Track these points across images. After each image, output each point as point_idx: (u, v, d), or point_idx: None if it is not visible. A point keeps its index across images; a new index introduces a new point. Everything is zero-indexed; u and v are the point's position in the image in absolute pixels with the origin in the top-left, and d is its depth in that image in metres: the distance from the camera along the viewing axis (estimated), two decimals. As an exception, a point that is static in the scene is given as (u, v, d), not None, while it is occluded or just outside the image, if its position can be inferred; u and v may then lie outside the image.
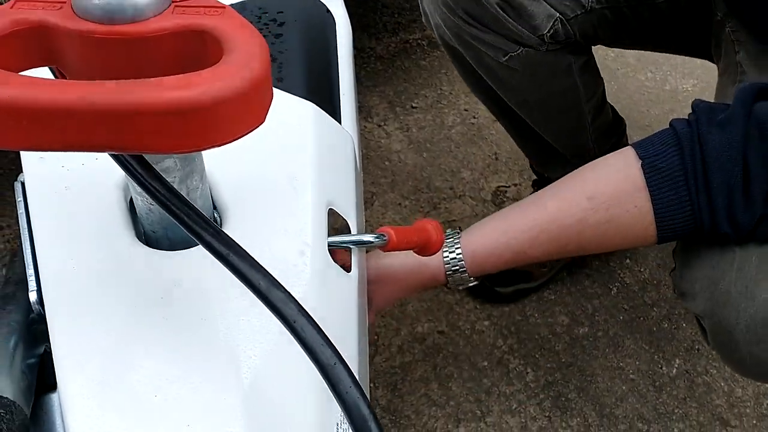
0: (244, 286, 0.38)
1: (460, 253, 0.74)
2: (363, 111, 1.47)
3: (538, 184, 1.19)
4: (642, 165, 0.64)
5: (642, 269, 1.23)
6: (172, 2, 0.36)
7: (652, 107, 1.51)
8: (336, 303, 0.58)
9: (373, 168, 1.37)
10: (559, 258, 0.72)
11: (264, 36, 0.74)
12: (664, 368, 1.11)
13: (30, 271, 0.53)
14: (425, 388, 1.07)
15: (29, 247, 0.54)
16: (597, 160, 0.71)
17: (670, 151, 0.63)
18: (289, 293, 0.38)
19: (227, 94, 0.30)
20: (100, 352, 0.43)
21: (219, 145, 0.31)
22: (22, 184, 0.56)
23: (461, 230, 0.77)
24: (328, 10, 0.79)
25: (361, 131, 1.43)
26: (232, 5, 0.77)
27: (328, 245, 0.60)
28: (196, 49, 0.35)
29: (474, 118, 1.46)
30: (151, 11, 0.34)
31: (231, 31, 0.34)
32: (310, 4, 0.79)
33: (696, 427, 1.05)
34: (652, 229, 0.65)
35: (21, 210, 0.55)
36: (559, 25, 0.87)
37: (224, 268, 0.38)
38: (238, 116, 0.31)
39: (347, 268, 0.63)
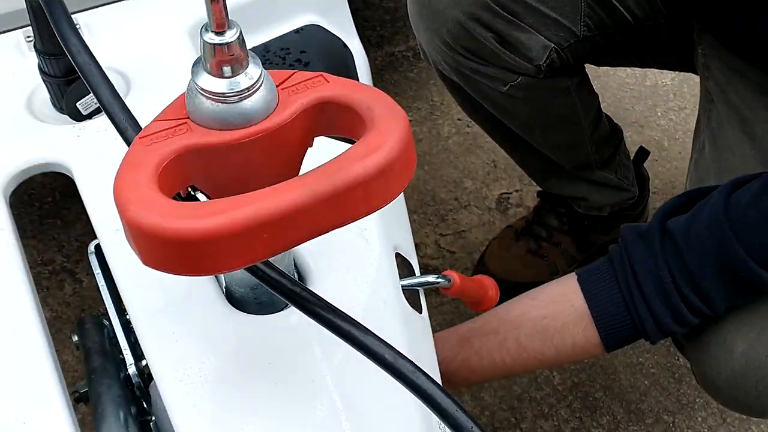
0: (343, 342, 0.39)
1: None
2: (360, 129, 1.48)
3: (543, 194, 1.22)
4: (578, 278, 0.71)
5: (649, 264, 1.27)
6: (277, 86, 0.37)
7: (635, 104, 1.56)
8: (420, 345, 0.59)
9: (378, 185, 1.38)
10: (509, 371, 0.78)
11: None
12: (681, 359, 1.15)
13: (124, 344, 0.53)
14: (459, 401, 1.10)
15: (116, 317, 0.55)
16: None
17: (604, 266, 0.70)
18: (397, 351, 0.40)
19: (402, 145, 0.33)
20: (220, 423, 0.45)
21: (393, 199, 0.34)
22: (96, 253, 0.57)
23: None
24: (345, 45, 0.80)
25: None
26: (255, 47, 0.78)
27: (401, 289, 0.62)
28: (319, 119, 0.36)
29: (468, 127, 1.49)
30: (275, 102, 0.36)
31: (352, 92, 0.36)
32: (329, 41, 0.80)
33: (717, 414, 1.10)
34: (592, 330, 0.70)
35: (101, 282, 0.56)
36: (555, 55, 0.90)
37: (321, 327, 0.39)
38: (408, 164, 0.34)
39: (419, 309, 0.64)
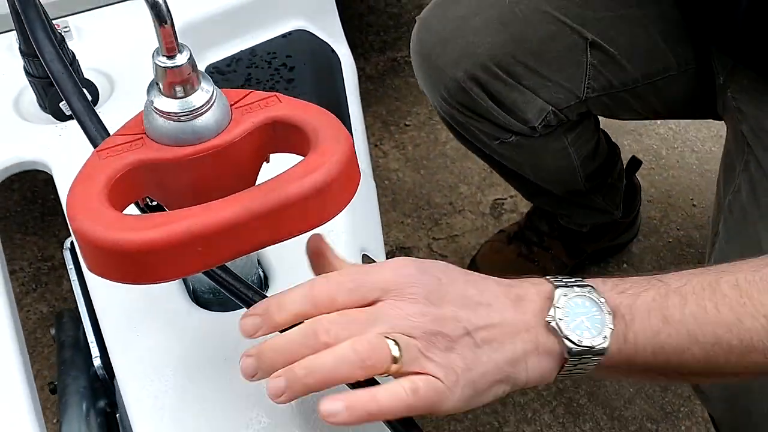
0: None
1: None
2: (358, 130, 1.50)
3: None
4: None
5: (639, 273, 1.28)
6: (231, 105, 0.39)
7: (636, 111, 1.57)
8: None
9: (373, 187, 1.40)
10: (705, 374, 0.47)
11: (276, 82, 0.76)
12: (667, 368, 1.16)
13: (91, 337, 0.55)
14: (443, 404, 1.11)
15: (86, 313, 0.56)
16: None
17: None
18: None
19: (342, 166, 0.34)
20: (178, 417, 0.46)
21: (335, 216, 0.35)
22: (71, 250, 0.59)
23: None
24: (333, 50, 0.81)
25: (358, 151, 1.46)
26: (242, 51, 0.79)
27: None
28: (270, 137, 0.38)
29: (466, 131, 1.50)
30: (226, 120, 0.37)
31: (301, 113, 0.37)
32: (315, 46, 0.81)
33: (702, 423, 1.11)
34: None
35: (74, 277, 0.58)
36: (552, 116, 0.87)
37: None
38: (348, 185, 0.35)
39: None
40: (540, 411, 1.11)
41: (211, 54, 0.75)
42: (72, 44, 0.65)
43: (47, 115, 0.61)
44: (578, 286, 0.42)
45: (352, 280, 0.39)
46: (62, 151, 0.58)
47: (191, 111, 0.34)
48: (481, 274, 0.43)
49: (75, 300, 0.56)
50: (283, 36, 0.78)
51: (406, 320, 0.38)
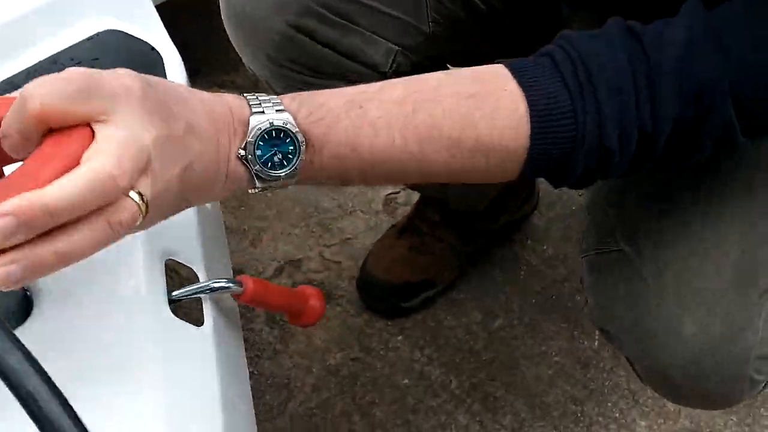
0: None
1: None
2: (235, 145, 1.39)
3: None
4: (506, 65, 0.51)
5: (545, 247, 1.20)
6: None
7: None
8: (187, 362, 0.51)
9: (256, 202, 1.29)
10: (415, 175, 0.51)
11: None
12: (585, 342, 1.08)
13: None
14: (348, 423, 1.00)
15: None
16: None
17: (540, 59, 0.51)
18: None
19: None
20: None
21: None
22: None
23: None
24: (153, 48, 0.72)
25: (237, 167, 1.35)
26: (41, 61, 0.69)
27: (171, 300, 0.54)
28: None
29: (351, 130, 1.41)
30: None
31: None
32: (129, 45, 0.71)
33: (629, 396, 1.03)
34: (525, 124, 0.49)
35: None
36: (401, 58, 0.78)
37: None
38: None
39: (198, 322, 0.56)
40: (454, 413, 1.01)
41: (7, 68, 0.66)
42: None
43: None
44: (276, 110, 0.45)
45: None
46: None
47: None
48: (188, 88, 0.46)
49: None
50: (88, 39, 0.69)
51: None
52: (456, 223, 1.11)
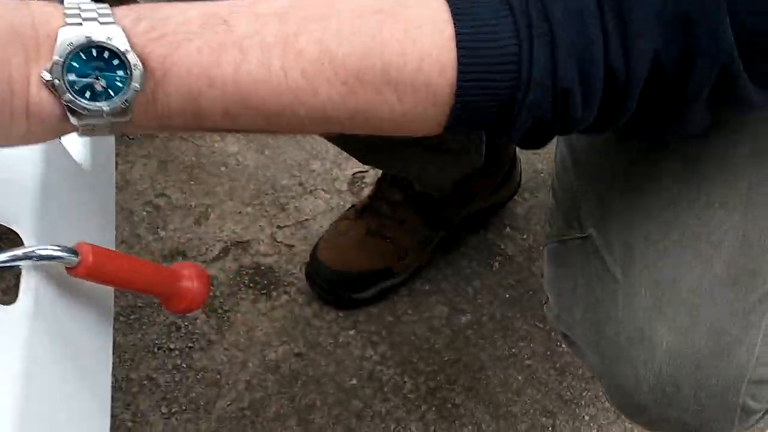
0: None
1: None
2: (191, 115, 1.27)
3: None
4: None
5: (524, 236, 1.06)
6: None
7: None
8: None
9: (207, 177, 1.16)
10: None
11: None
12: (563, 346, 0.94)
13: None
14: (281, 428, 0.87)
15: None
16: None
17: None
18: None
19: None
20: None
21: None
22: None
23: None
24: None
25: (191, 139, 1.23)
26: None
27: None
28: None
29: (321, 102, 1.28)
30: None
31: None
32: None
33: (610, 409, 0.89)
34: (450, 50, 0.35)
35: None
36: None
37: None
38: None
39: (12, 296, 0.43)
40: (405, 419, 0.87)
41: None
42: None
43: None
44: (101, 22, 0.33)
45: None
46: None
47: None
48: None
49: None
50: None
51: None
52: (421, 205, 0.97)
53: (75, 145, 0.57)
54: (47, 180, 0.48)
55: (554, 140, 0.44)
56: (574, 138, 0.61)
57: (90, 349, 0.49)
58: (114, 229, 0.61)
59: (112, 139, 0.65)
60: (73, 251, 0.44)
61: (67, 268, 0.45)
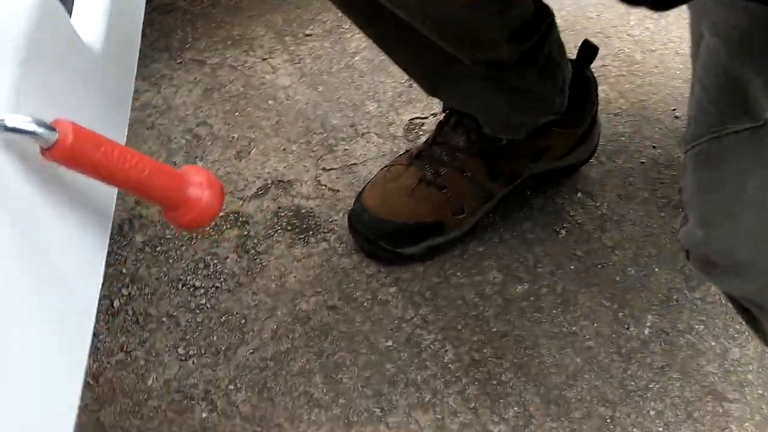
0: None
1: None
2: (243, 44, 1.18)
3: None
4: None
5: (598, 203, 0.94)
6: None
7: (603, 11, 1.22)
8: None
9: (253, 109, 1.08)
10: None
11: None
12: (632, 329, 0.82)
13: None
14: (306, 385, 0.79)
15: None
16: None
17: None
18: None
19: None
20: None
21: None
22: None
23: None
24: None
25: (240, 68, 1.14)
26: None
27: None
28: None
29: (384, 41, 1.17)
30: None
31: None
32: None
33: (680, 406, 0.77)
34: None
35: None
36: None
37: None
38: None
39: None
40: (443, 392, 0.78)
41: None
42: None
43: None
44: None
45: None
46: None
47: None
48: None
49: None
50: None
51: None
52: (486, 152, 0.86)
53: (88, 24, 0.48)
54: (34, 46, 0.39)
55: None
56: (724, 19, 0.49)
57: (69, 259, 0.40)
58: (126, 127, 0.52)
59: (138, 22, 0.56)
60: (51, 127, 0.35)
61: (41, 148, 0.36)
